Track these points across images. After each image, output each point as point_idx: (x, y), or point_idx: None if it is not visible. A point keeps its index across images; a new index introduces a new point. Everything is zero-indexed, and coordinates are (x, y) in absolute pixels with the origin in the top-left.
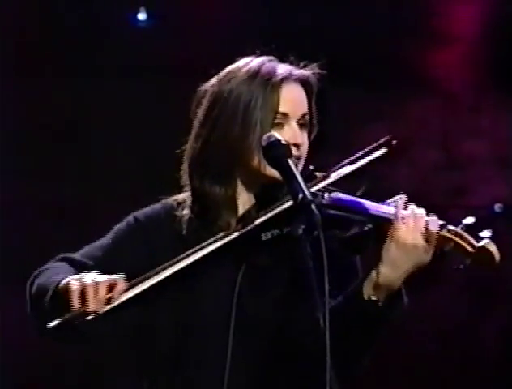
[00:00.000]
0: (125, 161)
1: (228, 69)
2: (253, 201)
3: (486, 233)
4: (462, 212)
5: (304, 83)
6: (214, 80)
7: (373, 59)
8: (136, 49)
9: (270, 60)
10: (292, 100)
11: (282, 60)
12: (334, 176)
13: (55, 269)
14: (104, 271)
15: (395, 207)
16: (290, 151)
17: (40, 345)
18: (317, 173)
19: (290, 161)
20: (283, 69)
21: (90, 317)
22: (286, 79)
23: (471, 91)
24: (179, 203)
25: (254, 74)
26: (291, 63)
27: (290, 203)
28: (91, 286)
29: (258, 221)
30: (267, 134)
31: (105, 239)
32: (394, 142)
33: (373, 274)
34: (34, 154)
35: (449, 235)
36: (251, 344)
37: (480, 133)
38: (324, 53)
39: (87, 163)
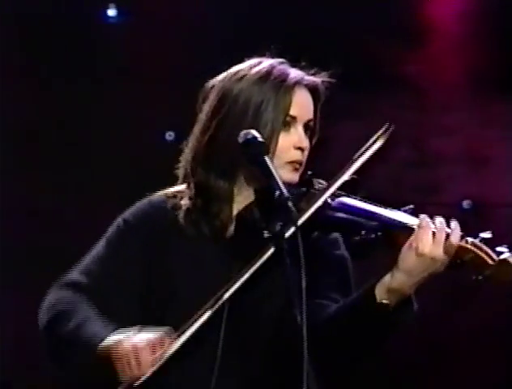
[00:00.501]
0: (103, 161)
1: (237, 67)
2: (252, 197)
3: (503, 248)
4: (433, 209)
5: (313, 89)
6: (222, 77)
7: (345, 56)
8: (106, 45)
9: (281, 62)
10: (302, 104)
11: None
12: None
13: (73, 311)
14: (105, 284)
15: (416, 217)
16: (268, 148)
17: None
18: (316, 179)
19: (267, 159)
20: (295, 73)
21: (142, 379)
22: (298, 83)
23: (443, 88)
24: (172, 196)
25: (266, 76)
26: (301, 68)
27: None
28: (144, 350)
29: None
30: (244, 131)
31: (99, 249)
32: (392, 128)
33: (387, 278)
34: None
35: (468, 246)
36: (242, 343)
37: (451, 131)
38: (296, 49)
39: (61, 163)
